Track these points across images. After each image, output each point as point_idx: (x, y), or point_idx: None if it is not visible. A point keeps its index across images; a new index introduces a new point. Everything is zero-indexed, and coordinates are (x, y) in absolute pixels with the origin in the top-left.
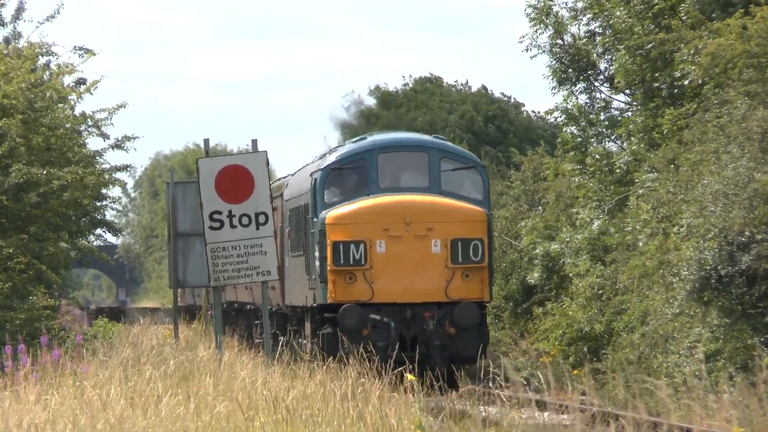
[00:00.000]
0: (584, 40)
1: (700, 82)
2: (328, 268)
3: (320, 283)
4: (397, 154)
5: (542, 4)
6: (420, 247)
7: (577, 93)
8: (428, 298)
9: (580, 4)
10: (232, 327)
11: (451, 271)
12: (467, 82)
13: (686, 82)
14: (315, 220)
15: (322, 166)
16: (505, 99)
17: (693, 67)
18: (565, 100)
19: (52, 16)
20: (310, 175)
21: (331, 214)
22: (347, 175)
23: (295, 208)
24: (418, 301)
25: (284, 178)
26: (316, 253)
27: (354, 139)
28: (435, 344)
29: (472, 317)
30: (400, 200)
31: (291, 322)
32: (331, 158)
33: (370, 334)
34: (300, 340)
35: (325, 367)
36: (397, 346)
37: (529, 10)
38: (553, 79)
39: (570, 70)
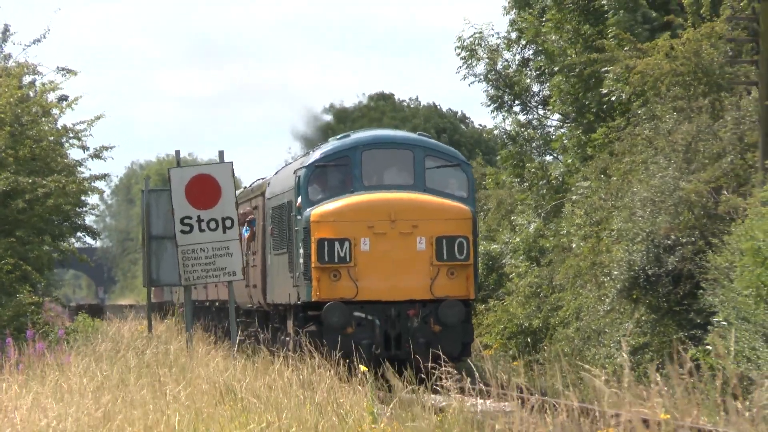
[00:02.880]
0: (516, 67)
1: (627, 99)
2: (313, 265)
3: (304, 280)
4: (382, 151)
5: (471, 41)
6: (405, 245)
7: (513, 115)
8: (413, 296)
9: (514, 35)
10: (213, 324)
11: (436, 268)
12: (417, 98)
13: (613, 98)
14: (299, 217)
15: (306, 164)
16: (452, 114)
17: (619, 85)
18: (503, 120)
19: (39, 40)
20: (294, 173)
21: (315, 212)
22: (331, 172)
23: (278, 206)
24: (403, 298)
25: (264, 178)
26: (300, 251)
27: (338, 137)
28: (419, 342)
29: (457, 315)
30: (384, 198)
31: (273, 321)
32: (315, 155)
33: (355, 332)
34: (282, 337)
35: (279, 357)
36: (381, 344)
37: (459, 51)
38: (490, 104)
39: (505, 95)
